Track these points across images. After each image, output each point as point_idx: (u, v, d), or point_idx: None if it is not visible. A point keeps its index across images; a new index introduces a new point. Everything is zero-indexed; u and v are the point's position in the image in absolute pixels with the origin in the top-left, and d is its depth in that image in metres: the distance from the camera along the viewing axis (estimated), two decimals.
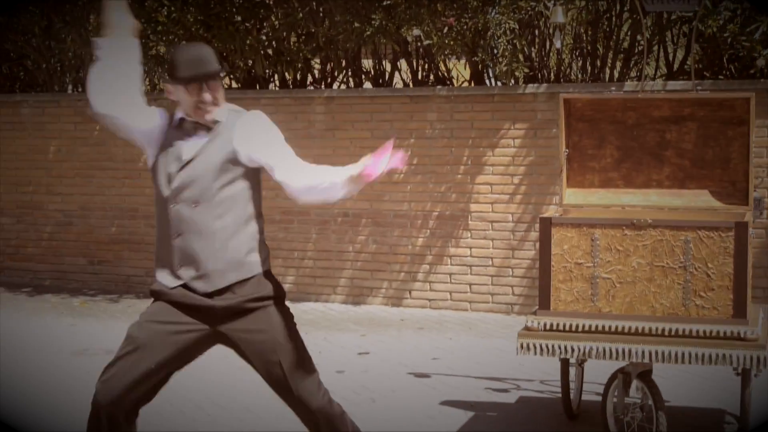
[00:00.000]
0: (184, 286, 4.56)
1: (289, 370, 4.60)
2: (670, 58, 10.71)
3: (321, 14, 10.90)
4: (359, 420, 6.63)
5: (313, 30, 10.79)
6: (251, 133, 4.58)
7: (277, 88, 11.42)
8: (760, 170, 8.97)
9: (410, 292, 10.42)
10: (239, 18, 10.71)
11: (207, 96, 4.55)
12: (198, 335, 4.59)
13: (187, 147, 4.57)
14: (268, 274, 4.69)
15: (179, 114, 4.63)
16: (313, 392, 4.65)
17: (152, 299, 4.68)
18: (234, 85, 11.49)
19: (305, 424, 4.74)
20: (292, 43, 11.03)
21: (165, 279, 4.59)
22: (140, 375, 4.52)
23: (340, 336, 9.16)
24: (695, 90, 7.32)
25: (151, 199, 5.05)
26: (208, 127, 4.58)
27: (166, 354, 4.55)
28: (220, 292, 4.55)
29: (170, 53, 4.79)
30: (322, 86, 11.38)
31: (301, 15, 10.71)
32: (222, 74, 4.67)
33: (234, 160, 4.54)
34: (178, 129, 4.61)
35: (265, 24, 11.01)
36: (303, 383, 4.63)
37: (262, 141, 4.57)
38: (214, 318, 4.57)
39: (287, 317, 4.69)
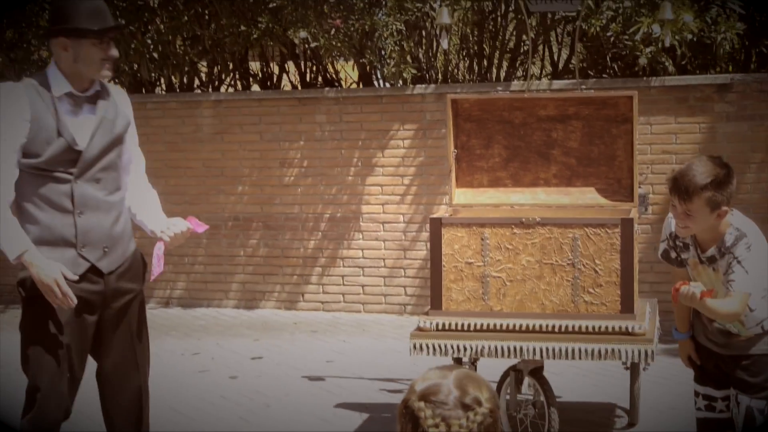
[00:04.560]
0: (88, 270, 4.36)
1: (142, 349, 4.58)
2: (555, 58, 10.86)
3: (206, 17, 10.81)
4: (253, 425, 6.61)
5: (198, 33, 10.70)
6: (128, 110, 4.58)
7: (163, 92, 11.29)
8: (644, 167, 9.13)
9: (303, 295, 10.38)
10: (123, 21, 10.56)
11: (114, 51, 4.36)
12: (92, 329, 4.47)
13: (80, 123, 4.35)
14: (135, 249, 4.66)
15: (59, 89, 4.31)
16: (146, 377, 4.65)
17: (26, 299, 4.35)
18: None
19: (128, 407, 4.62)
20: (177, 47, 10.91)
21: (67, 266, 4.28)
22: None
23: (232, 341, 9.09)
24: (580, 89, 7.43)
25: None
26: (90, 100, 4.39)
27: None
28: (115, 270, 4.43)
29: (61, 4, 4.33)
30: (209, 89, 11.28)
31: (186, 18, 10.60)
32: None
33: (127, 131, 4.53)
34: (61, 104, 4.32)
35: (149, 27, 10.87)
36: (147, 365, 4.62)
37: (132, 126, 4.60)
38: (100, 303, 4.43)
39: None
